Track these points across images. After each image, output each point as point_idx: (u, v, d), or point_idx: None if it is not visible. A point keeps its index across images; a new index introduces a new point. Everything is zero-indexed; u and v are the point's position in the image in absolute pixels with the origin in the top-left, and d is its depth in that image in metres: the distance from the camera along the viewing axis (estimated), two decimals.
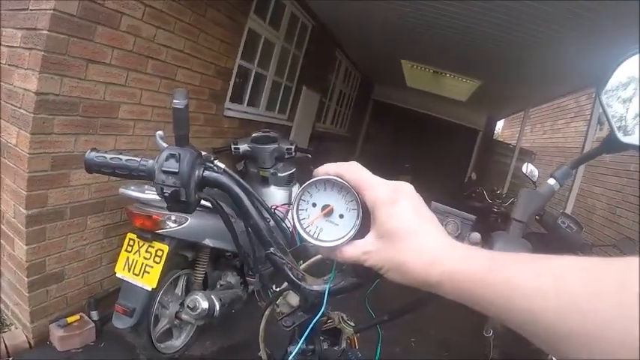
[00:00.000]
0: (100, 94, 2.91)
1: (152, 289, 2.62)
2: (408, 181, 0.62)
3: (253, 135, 3.92)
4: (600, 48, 3.97)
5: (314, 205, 0.65)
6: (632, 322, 0.34)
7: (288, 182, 3.91)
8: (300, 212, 0.66)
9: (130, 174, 0.84)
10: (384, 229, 0.58)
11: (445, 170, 13.62)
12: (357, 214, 0.62)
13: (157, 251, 2.65)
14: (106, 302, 3.26)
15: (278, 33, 5.63)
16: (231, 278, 3.24)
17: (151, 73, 3.28)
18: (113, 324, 2.66)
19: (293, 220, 0.65)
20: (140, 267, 2.65)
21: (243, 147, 3.90)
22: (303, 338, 0.80)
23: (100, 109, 2.94)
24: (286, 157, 3.82)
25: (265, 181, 3.87)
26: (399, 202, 0.59)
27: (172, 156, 0.78)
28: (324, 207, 0.65)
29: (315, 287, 0.76)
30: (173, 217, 2.66)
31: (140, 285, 2.63)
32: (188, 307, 2.78)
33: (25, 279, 2.79)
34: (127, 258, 2.69)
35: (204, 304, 2.75)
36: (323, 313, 0.74)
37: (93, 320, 3.18)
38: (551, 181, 1.00)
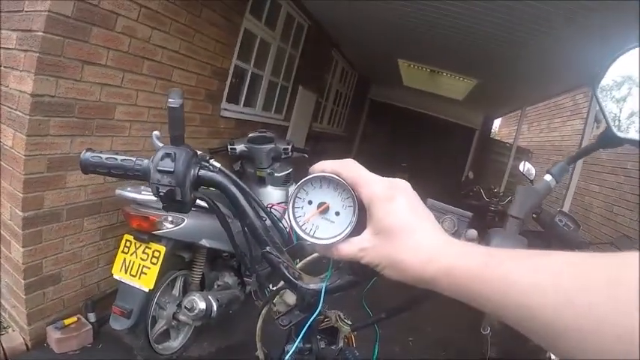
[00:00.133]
0: (96, 95, 2.90)
1: (149, 290, 2.62)
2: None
3: (250, 135, 3.92)
4: (596, 46, 3.97)
5: (310, 202, 0.65)
6: (627, 316, 0.34)
7: (285, 182, 3.91)
8: (296, 210, 0.66)
9: (125, 174, 0.84)
10: (380, 226, 0.58)
11: (442, 169, 13.63)
12: (354, 211, 0.62)
13: (153, 252, 2.65)
14: (103, 304, 3.25)
15: (274, 33, 5.62)
16: (229, 279, 3.24)
17: (146, 74, 3.27)
18: (110, 325, 2.66)
19: (289, 217, 0.65)
20: (137, 268, 2.64)
21: (240, 147, 3.90)
22: (300, 337, 0.80)
23: (96, 111, 2.94)
24: (283, 157, 3.82)
25: (262, 181, 3.87)
26: (396, 199, 0.58)
27: (168, 155, 0.78)
28: (320, 204, 0.64)
29: (312, 286, 0.76)
30: (170, 218, 2.66)
31: (137, 286, 2.63)
32: (185, 307, 2.78)
33: (22, 281, 2.78)
34: (124, 259, 2.69)
35: (202, 305, 2.74)
36: (320, 311, 0.74)
37: (90, 322, 3.17)
38: (548, 178, 1.00)
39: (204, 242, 2.83)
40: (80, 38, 2.66)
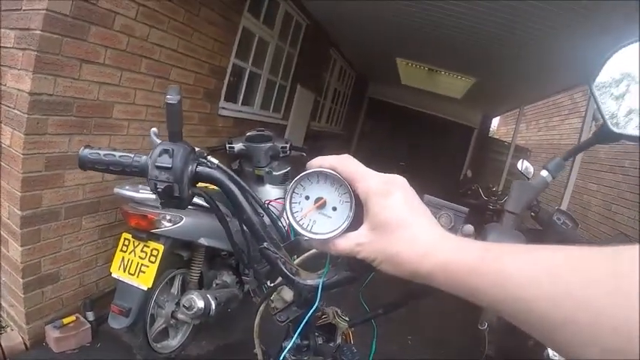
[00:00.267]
0: (94, 93, 2.90)
1: (148, 288, 2.62)
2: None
3: (248, 134, 3.91)
4: (595, 45, 3.98)
5: (307, 197, 0.65)
6: (625, 309, 0.34)
7: (283, 181, 3.91)
8: (293, 205, 0.66)
9: (123, 170, 0.84)
10: (377, 220, 0.58)
11: (441, 168, 13.64)
12: (350, 206, 0.62)
13: (152, 251, 2.65)
14: (101, 303, 3.26)
15: (272, 32, 5.63)
16: (227, 277, 3.24)
17: (144, 73, 3.27)
18: (109, 324, 2.65)
19: (286, 212, 0.65)
20: (135, 267, 2.64)
21: (238, 146, 3.90)
22: (297, 333, 0.80)
23: (94, 109, 2.93)
24: (281, 155, 3.82)
25: (260, 180, 3.86)
26: (392, 194, 0.59)
27: (166, 151, 0.78)
28: (317, 199, 0.65)
29: (309, 281, 0.76)
30: (168, 217, 2.66)
31: (136, 285, 2.62)
32: (184, 306, 2.78)
33: (21, 280, 2.78)
34: (123, 258, 2.69)
35: (200, 304, 2.75)
36: (317, 307, 0.74)
37: (89, 321, 3.17)
38: (544, 173, 1.00)
39: (203, 241, 2.83)
40: (78, 37, 2.66)
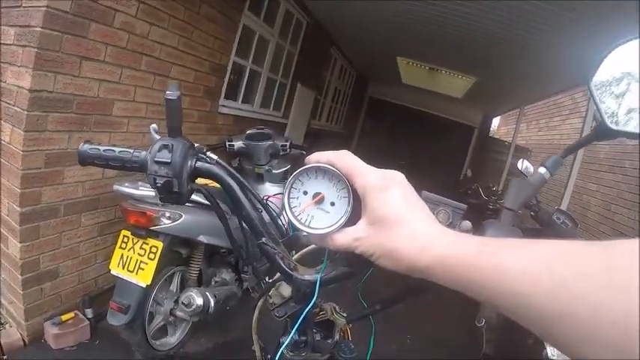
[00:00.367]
0: (94, 91, 2.90)
1: (147, 285, 2.62)
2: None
3: (248, 132, 3.91)
4: (595, 45, 3.98)
5: (305, 193, 0.66)
6: (623, 303, 0.34)
7: (283, 179, 3.90)
8: (291, 200, 0.66)
9: (123, 165, 0.84)
10: (375, 215, 0.58)
11: (441, 167, 13.65)
12: (348, 201, 0.63)
13: (151, 248, 2.65)
14: (100, 300, 3.26)
15: (272, 30, 5.63)
16: (226, 275, 3.23)
17: (144, 70, 3.27)
18: (108, 321, 2.66)
19: (284, 207, 0.66)
20: (134, 264, 2.64)
21: (238, 144, 3.90)
22: (295, 328, 0.80)
23: (94, 106, 2.94)
24: (281, 153, 3.82)
25: (260, 178, 3.86)
26: (390, 189, 0.59)
27: (165, 147, 0.78)
28: (315, 195, 0.65)
29: (307, 277, 0.76)
30: (167, 214, 2.67)
31: (135, 282, 2.62)
32: (183, 303, 2.78)
33: (20, 277, 2.79)
34: (122, 255, 2.69)
35: (199, 301, 2.75)
36: (315, 302, 0.75)
37: (87, 318, 3.18)
38: (542, 170, 1.00)
39: (202, 238, 2.83)
40: (79, 34, 2.66)
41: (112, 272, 2.70)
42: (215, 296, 2.86)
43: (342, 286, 0.76)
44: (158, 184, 0.78)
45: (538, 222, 3.13)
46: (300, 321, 0.79)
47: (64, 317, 3.05)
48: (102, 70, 2.91)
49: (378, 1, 5.12)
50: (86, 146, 0.86)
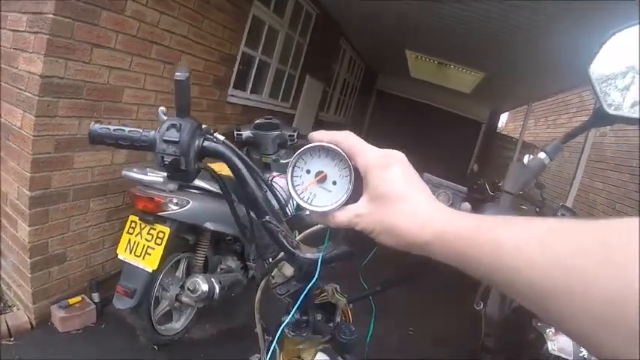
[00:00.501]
0: (104, 77, 2.93)
1: (153, 270, 2.65)
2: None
3: (256, 121, 3.92)
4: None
5: (308, 171, 0.67)
6: (615, 280, 0.35)
7: None
8: (294, 178, 0.67)
9: (132, 144, 0.85)
10: (376, 192, 0.60)
11: (448, 162, 13.54)
12: (350, 180, 0.64)
13: (158, 233, 2.68)
14: (107, 285, 3.30)
15: (282, 21, 5.63)
16: (232, 262, 3.25)
17: (154, 58, 3.29)
18: (114, 305, 2.69)
19: (288, 185, 0.67)
20: (142, 249, 2.67)
21: (246, 133, 3.90)
22: (296, 305, 0.82)
23: (104, 93, 2.96)
24: (289, 144, 3.82)
25: (267, 168, 3.86)
26: (391, 167, 0.60)
27: (173, 126, 0.80)
28: (318, 173, 0.66)
29: (309, 255, 0.78)
30: (175, 200, 2.69)
31: (141, 266, 2.65)
32: (188, 289, 2.81)
33: (28, 260, 2.82)
34: (129, 240, 2.71)
35: (204, 287, 2.77)
36: (316, 281, 0.76)
37: (94, 302, 3.22)
38: (542, 155, 1.01)
39: (209, 225, 2.85)
40: (90, 21, 2.68)
41: (119, 256, 2.73)
42: (220, 283, 2.88)
43: (343, 269, 0.77)
44: (166, 162, 0.79)
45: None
46: (301, 299, 0.80)
47: (71, 301, 3.08)
48: (112, 57, 2.93)
49: None
50: (97, 126, 0.88)
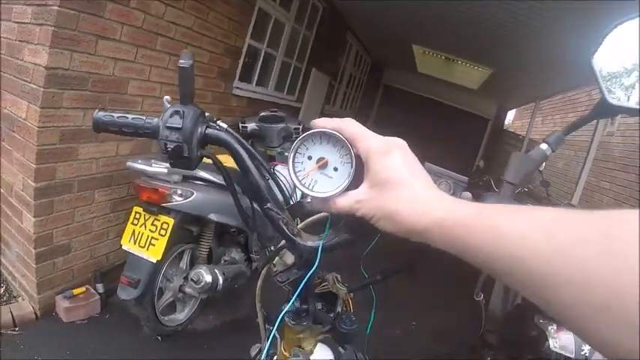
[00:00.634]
0: (110, 69, 2.93)
1: (157, 261, 2.66)
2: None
3: (261, 114, 3.93)
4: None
5: (309, 158, 0.67)
6: (617, 270, 0.35)
7: None
8: (296, 165, 0.68)
9: (136, 131, 0.85)
10: (377, 178, 0.60)
11: (454, 158, 13.50)
12: (351, 166, 0.64)
13: (162, 224, 2.69)
14: (111, 275, 3.31)
15: (288, 14, 5.61)
16: (236, 254, 3.26)
17: (160, 50, 3.29)
18: (118, 295, 2.71)
19: (289, 171, 0.67)
20: (146, 239, 2.68)
21: (251, 126, 3.91)
22: (296, 293, 0.82)
23: (109, 85, 2.97)
24: (294, 136, 3.83)
25: (272, 160, 3.88)
26: (392, 153, 0.60)
27: (176, 113, 0.80)
28: (319, 160, 0.66)
29: (310, 243, 0.78)
30: (179, 191, 2.69)
31: (145, 257, 2.66)
32: (192, 280, 2.82)
33: (33, 251, 2.84)
34: (133, 231, 2.73)
35: (208, 278, 2.79)
36: (317, 268, 0.76)
37: (98, 293, 3.23)
38: (544, 146, 1.01)
39: (213, 216, 2.85)
40: (95, 13, 2.68)
41: (123, 247, 2.74)
42: (224, 274, 2.89)
43: (344, 259, 0.77)
44: (169, 149, 0.79)
45: None
46: (301, 286, 0.81)
47: (75, 291, 3.10)
48: (117, 49, 2.93)
49: None
50: (100, 113, 0.88)
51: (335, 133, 0.64)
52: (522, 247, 0.42)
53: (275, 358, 1.03)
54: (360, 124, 0.66)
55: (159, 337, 3.07)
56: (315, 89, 7.30)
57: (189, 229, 2.99)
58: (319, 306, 0.97)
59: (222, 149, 0.85)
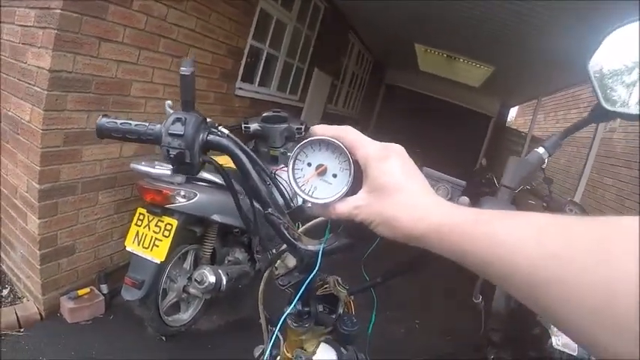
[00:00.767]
0: (112, 71, 2.94)
1: (161, 262, 2.67)
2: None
3: (264, 114, 3.93)
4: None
5: (309, 164, 0.68)
6: (611, 272, 0.35)
7: None
8: (295, 171, 0.69)
9: (139, 138, 0.86)
10: (375, 184, 0.61)
11: (456, 155, 13.47)
12: (350, 172, 0.65)
13: (166, 225, 2.70)
14: (115, 276, 3.33)
15: (290, 14, 5.62)
16: (239, 255, 3.28)
17: (162, 52, 3.30)
18: (122, 296, 2.72)
19: (289, 178, 0.68)
20: (149, 240, 2.69)
21: (254, 126, 3.92)
22: (298, 296, 0.83)
23: (112, 87, 2.98)
24: (296, 137, 3.83)
25: (275, 160, 3.88)
26: (390, 159, 0.61)
27: (178, 120, 0.81)
28: (319, 166, 0.67)
29: (310, 247, 0.79)
30: (182, 193, 2.71)
31: (149, 258, 2.67)
32: (196, 280, 2.83)
33: (37, 252, 2.85)
34: (137, 232, 2.74)
35: (212, 278, 2.80)
36: (317, 271, 0.77)
37: (102, 293, 3.25)
38: (540, 150, 1.01)
39: (216, 217, 2.87)
40: (97, 15, 2.70)
41: (127, 248, 2.75)
42: (227, 274, 2.90)
43: (345, 262, 0.78)
44: (171, 155, 0.81)
45: (550, 212, 3.13)
46: (303, 289, 0.81)
47: (79, 292, 3.12)
48: (120, 51, 2.94)
49: None
50: (104, 120, 0.89)
51: (334, 140, 0.65)
52: (517, 253, 0.43)
53: (278, 358, 1.04)
54: (358, 132, 0.66)
55: (163, 338, 3.08)
56: (317, 89, 7.30)
57: (193, 230, 3.01)
58: (321, 308, 0.98)
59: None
